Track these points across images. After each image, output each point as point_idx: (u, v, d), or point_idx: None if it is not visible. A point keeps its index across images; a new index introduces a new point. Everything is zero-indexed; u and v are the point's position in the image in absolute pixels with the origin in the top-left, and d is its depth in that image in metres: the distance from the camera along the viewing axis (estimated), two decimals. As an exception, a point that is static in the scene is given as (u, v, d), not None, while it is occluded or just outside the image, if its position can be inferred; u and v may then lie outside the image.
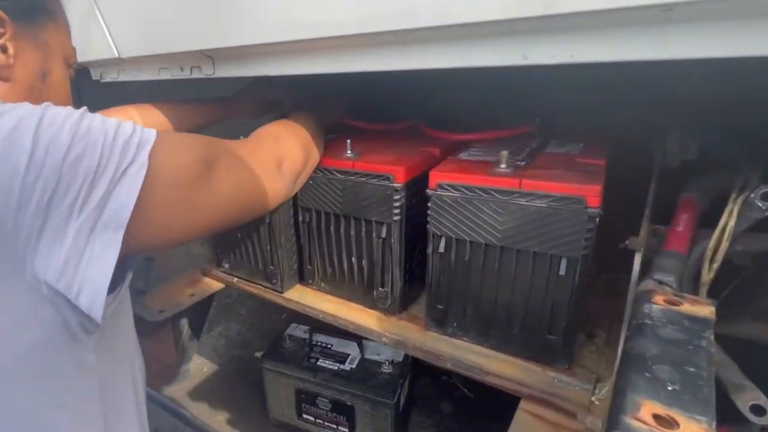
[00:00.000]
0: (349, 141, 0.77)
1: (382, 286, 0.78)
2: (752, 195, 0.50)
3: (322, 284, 0.87)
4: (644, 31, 0.39)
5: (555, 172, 0.61)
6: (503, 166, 0.62)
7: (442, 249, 0.66)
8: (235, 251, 0.93)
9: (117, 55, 0.85)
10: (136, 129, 0.40)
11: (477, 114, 0.97)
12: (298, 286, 0.90)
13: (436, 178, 0.64)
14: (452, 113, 1.00)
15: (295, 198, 0.83)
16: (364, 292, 0.81)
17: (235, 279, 0.95)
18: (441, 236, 0.66)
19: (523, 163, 0.65)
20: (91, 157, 0.36)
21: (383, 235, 0.73)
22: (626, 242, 0.60)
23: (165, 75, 0.85)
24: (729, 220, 0.51)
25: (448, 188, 0.63)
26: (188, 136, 0.50)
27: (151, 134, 0.41)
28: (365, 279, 0.80)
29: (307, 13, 0.51)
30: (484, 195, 0.61)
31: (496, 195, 0.60)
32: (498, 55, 0.45)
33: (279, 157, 0.63)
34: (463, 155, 0.73)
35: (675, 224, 0.57)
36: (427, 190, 0.65)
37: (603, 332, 0.70)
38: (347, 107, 0.96)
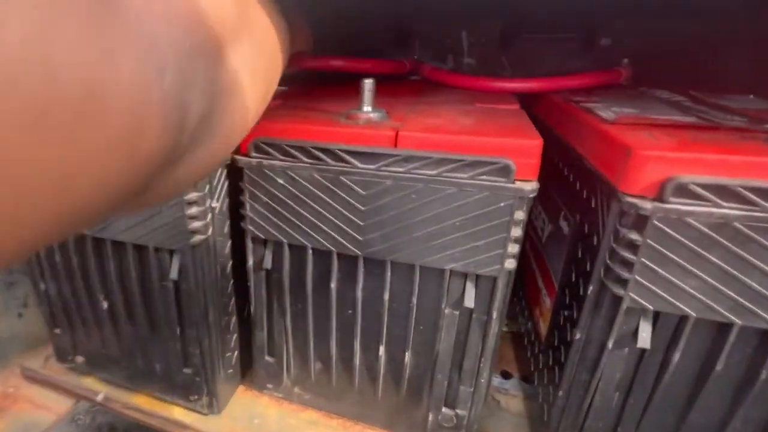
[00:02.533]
0: (367, 86, 0.34)
1: (449, 405, 0.36)
2: None
3: (297, 390, 0.42)
4: None
5: None
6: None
7: (646, 342, 0.27)
8: (98, 330, 0.44)
9: None
10: None
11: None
12: (241, 392, 0.44)
13: (681, 166, 0.24)
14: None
15: (234, 215, 0.38)
16: (401, 411, 0.39)
17: (101, 394, 0.45)
18: (641, 312, 0.27)
19: None
20: None
21: (468, 301, 0.32)
22: None
23: None
24: None
25: (713, 198, 0.24)
26: None
27: None
28: (405, 387, 0.37)
29: None
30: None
31: None
32: None
33: None
34: (622, 113, 0.34)
35: None
36: (639, 203, 0.25)
37: None
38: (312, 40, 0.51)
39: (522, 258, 0.53)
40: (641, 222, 0.25)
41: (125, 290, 0.40)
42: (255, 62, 0.24)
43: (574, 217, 0.35)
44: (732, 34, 0.56)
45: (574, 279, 0.33)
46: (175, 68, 0.16)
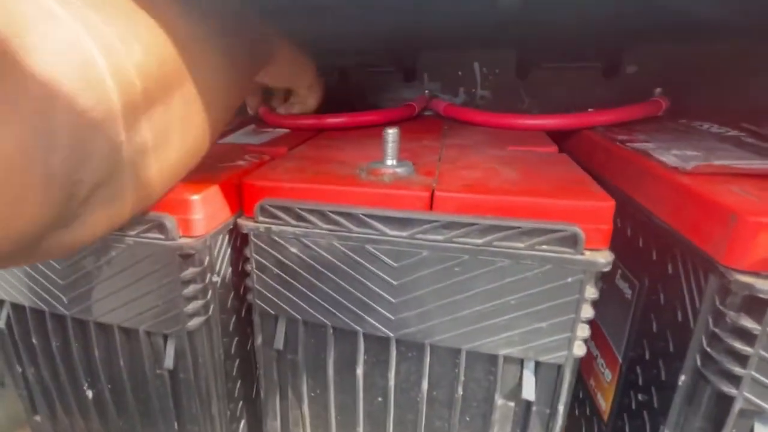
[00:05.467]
0: (390, 136, 0.29)
1: None
2: None
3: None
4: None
5: None
6: None
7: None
8: (83, 421, 0.38)
9: None
10: None
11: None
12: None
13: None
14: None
15: (238, 285, 0.33)
16: None
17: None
18: (757, 415, 0.21)
19: None
20: None
21: (527, 393, 0.26)
22: None
23: None
24: None
25: None
26: None
27: None
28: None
29: None
30: None
31: None
32: None
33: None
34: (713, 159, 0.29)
35: None
36: (755, 283, 0.20)
37: None
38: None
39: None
40: (756, 305, 0.20)
41: (113, 378, 0.34)
42: (184, 113, 0.24)
43: (641, 281, 0.29)
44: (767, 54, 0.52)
45: (648, 357, 0.28)
46: (66, 147, 0.16)
